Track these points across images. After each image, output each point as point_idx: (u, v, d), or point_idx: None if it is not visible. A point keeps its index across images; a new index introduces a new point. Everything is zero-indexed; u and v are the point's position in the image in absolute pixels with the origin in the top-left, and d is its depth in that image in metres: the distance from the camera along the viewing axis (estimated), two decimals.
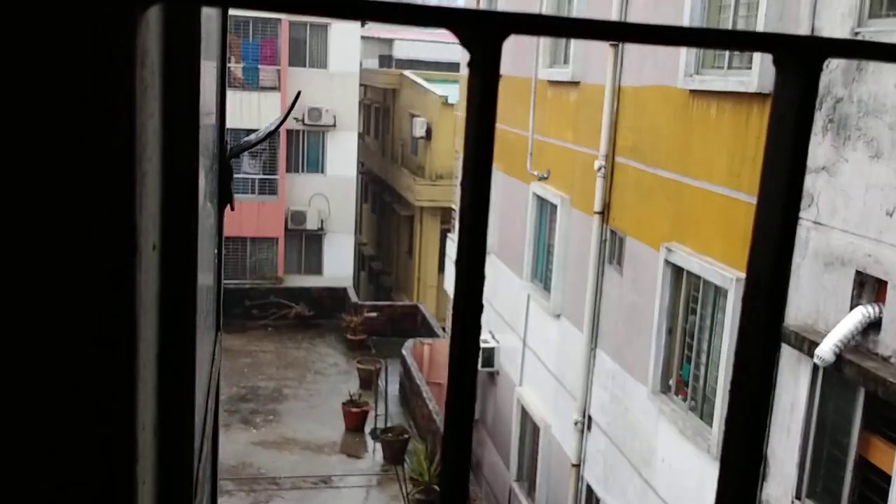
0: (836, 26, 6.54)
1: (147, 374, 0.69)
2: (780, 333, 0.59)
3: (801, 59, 0.62)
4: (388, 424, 17.46)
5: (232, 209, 1.70)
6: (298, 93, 3.09)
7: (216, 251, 1.64)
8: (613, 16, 10.20)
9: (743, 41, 0.63)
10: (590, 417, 10.98)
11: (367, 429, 17.98)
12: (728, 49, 0.61)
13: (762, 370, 0.64)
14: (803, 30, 6.85)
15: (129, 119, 0.50)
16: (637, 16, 9.89)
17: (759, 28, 7.39)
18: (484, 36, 0.57)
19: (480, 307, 0.58)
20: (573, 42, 11.61)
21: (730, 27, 8.13)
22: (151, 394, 0.75)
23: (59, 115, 0.48)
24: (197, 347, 1.08)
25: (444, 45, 33.14)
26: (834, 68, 6.57)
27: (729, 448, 0.62)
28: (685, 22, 8.58)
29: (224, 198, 1.60)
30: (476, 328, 0.57)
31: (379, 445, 17.14)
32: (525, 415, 13.30)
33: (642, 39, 0.59)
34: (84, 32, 0.48)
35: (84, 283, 0.50)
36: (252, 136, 2.41)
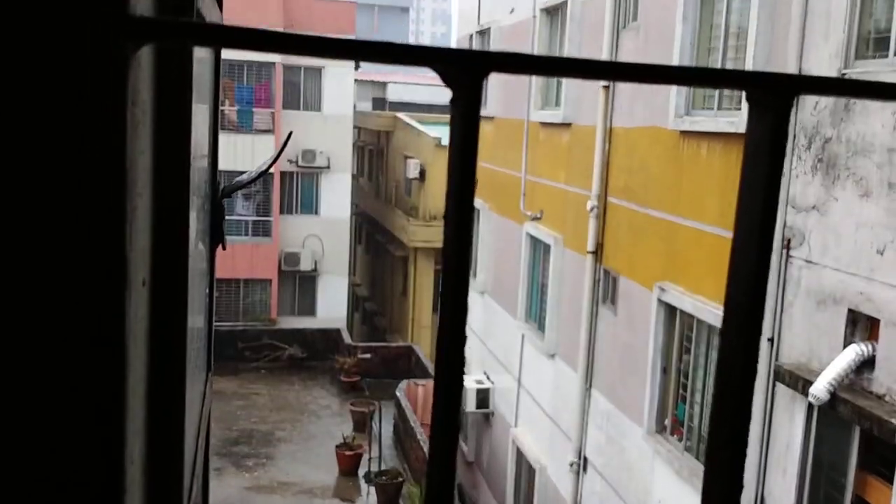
0: (822, 68, 6.65)
1: (136, 409, 0.69)
2: (757, 363, 0.60)
3: (771, 95, 0.63)
4: (383, 467, 17.27)
5: (223, 248, 1.70)
6: (290, 133, 3.11)
7: (207, 291, 1.65)
8: (604, 57, 10.34)
9: (716, 78, 0.65)
10: (585, 458, 10.89)
11: (361, 472, 17.78)
12: (702, 86, 0.63)
13: (741, 399, 0.65)
14: (791, 71, 6.96)
15: (119, 155, 0.52)
16: (627, 57, 10.03)
17: (752, 24, 7.46)
18: (464, 74, 0.58)
19: (464, 338, 0.59)
20: (565, 84, 11.75)
21: (722, 22, 8.24)
22: (140, 429, 0.75)
23: (52, 149, 0.49)
24: (187, 386, 1.09)
25: (437, 88, 33.47)
26: (822, 108, 6.66)
27: (710, 481, 0.63)
28: (679, 17, 8.67)
29: (216, 237, 1.61)
30: (460, 356, 0.58)
31: (373, 489, 16.93)
32: (520, 456, 13.19)
33: (619, 77, 0.61)
34: (76, 71, 0.49)
35: (74, 315, 0.51)
36: (244, 176, 2.43)
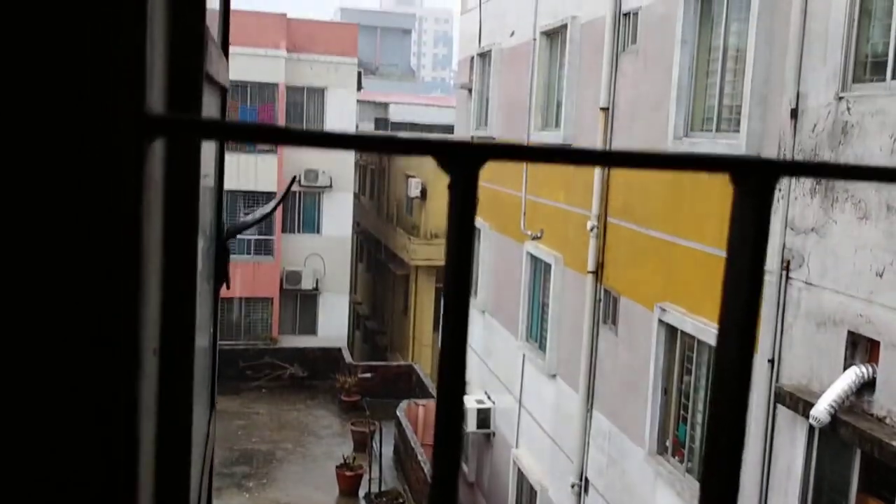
0: (820, 91, 6.70)
1: (144, 476, 0.72)
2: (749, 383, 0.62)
3: (755, 177, 0.66)
4: (383, 488, 17.21)
5: (228, 288, 1.73)
6: (294, 178, 3.15)
7: (211, 331, 1.68)
8: (603, 84, 10.42)
9: (700, 163, 0.68)
10: (587, 480, 10.86)
11: (362, 493, 17.71)
12: (686, 170, 0.66)
13: (735, 418, 0.67)
14: (789, 94, 7.01)
15: (135, 243, 0.55)
16: (627, 80, 10.11)
17: (746, 92, 7.55)
18: (462, 163, 0.62)
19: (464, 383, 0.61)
20: (565, 105, 11.82)
21: (717, 92, 8.31)
22: (149, 493, 0.78)
23: (69, 239, 0.52)
24: (192, 433, 1.11)
25: (438, 109, 33.65)
26: (820, 131, 6.70)
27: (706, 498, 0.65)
28: (674, 86, 8.77)
29: (220, 278, 1.64)
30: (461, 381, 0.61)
31: None
32: (521, 477, 13.15)
33: (611, 163, 0.64)
34: (94, 164, 0.52)
35: (86, 390, 0.54)
36: (248, 217, 2.46)
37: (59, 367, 0.52)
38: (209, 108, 1.40)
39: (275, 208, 2.59)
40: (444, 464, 0.58)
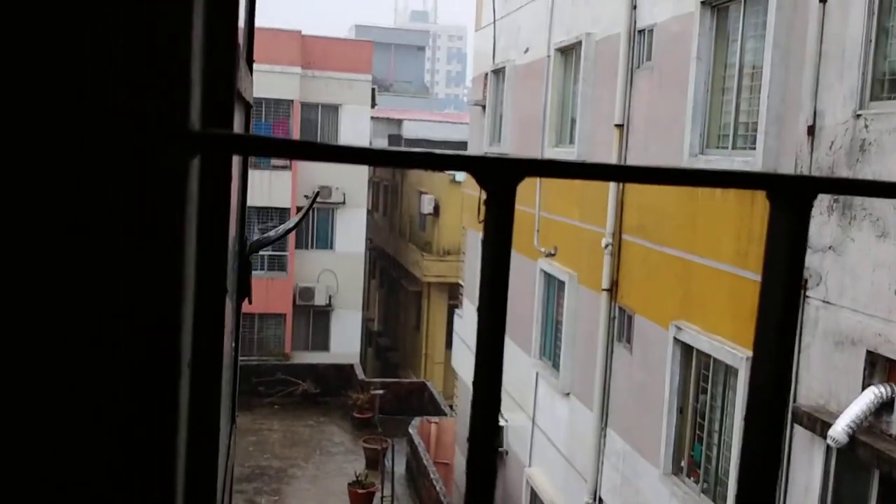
0: (837, 109, 6.68)
1: (179, 486, 0.72)
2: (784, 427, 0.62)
3: (792, 194, 0.66)
4: None
5: (250, 303, 1.74)
6: (317, 192, 3.17)
7: (234, 344, 1.68)
8: (618, 101, 10.43)
9: (737, 180, 0.68)
10: (601, 499, 10.77)
11: None
12: (722, 186, 0.66)
13: (769, 448, 0.67)
14: (805, 112, 6.99)
15: (178, 257, 0.55)
16: (641, 97, 10.11)
17: (763, 109, 7.54)
18: (500, 178, 0.62)
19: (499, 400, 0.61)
20: (579, 121, 11.83)
21: (732, 109, 8.30)
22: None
23: (118, 256, 0.53)
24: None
25: (451, 125, 33.76)
26: (838, 148, 6.68)
27: None
28: (689, 103, 8.76)
29: (242, 293, 1.64)
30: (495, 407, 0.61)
31: None
32: (534, 496, 13.06)
33: (642, 180, 0.64)
34: (139, 180, 0.53)
35: (129, 403, 0.54)
36: (272, 233, 2.48)
37: (107, 380, 0.52)
38: (239, 123, 1.41)
39: (298, 223, 2.61)
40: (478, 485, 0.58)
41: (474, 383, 0.62)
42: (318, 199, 26.66)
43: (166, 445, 0.53)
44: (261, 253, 26.49)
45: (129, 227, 0.51)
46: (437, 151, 0.60)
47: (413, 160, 0.61)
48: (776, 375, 0.69)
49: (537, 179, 13.20)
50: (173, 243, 0.51)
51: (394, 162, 0.60)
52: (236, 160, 1.43)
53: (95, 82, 0.49)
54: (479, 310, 0.64)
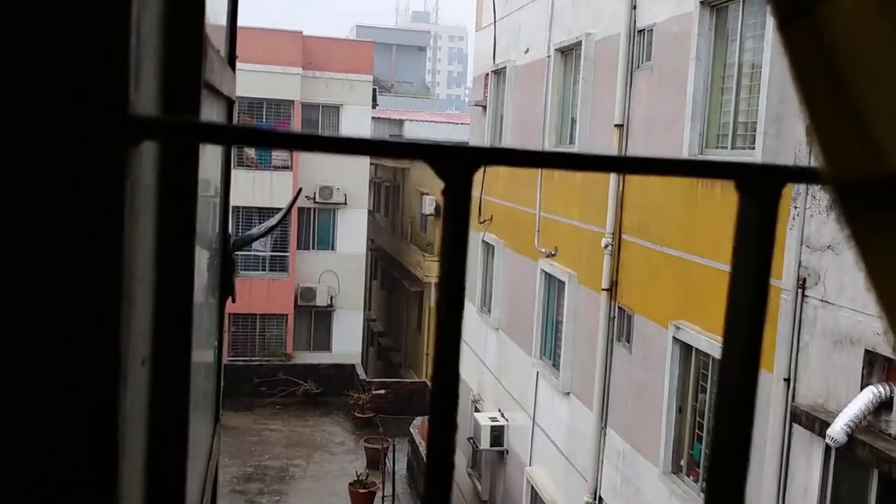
0: None
1: (132, 489, 0.70)
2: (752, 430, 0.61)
3: (760, 184, 0.64)
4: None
5: (233, 301, 1.73)
6: (300, 189, 3.16)
7: (216, 343, 1.67)
8: (617, 101, 10.41)
9: (705, 169, 0.66)
10: (601, 498, 10.75)
11: None
12: (690, 176, 0.64)
13: (739, 442, 0.65)
14: (810, 142, 6.95)
15: (116, 248, 0.53)
16: (641, 97, 10.09)
17: (762, 108, 7.52)
18: (456, 168, 0.60)
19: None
20: (579, 122, 11.82)
21: (732, 108, 8.28)
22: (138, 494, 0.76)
23: (49, 245, 0.51)
24: (191, 445, 1.09)
25: (452, 126, 33.77)
26: None
27: None
28: (688, 103, 8.75)
29: (226, 291, 1.63)
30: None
31: None
32: (535, 495, 13.04)
33: (610, 169, 0.62)
34: (75, 168, 0.51)
35: (67, 403, 0.53)
36: (254, 231, 2.46)
37: (37, 373, 0.51)
38: (214, 117, 1.39)
39: (280, 221, 2.59)
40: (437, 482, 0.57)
41: (433, 378, 0.60)
42: (320, 200, 26.66)
43: (107, 442, 0.52)
44: (262, 253, 26.50)
45: (58, 215, 0.49)
46: (389, 139, 0.58)
47: (365, 147, 0.59)
48: (746, 369, 0.68)
49: (538, 180, 13.19)
50: (110, 233, 0.50)
51: (343, 149, 0.58)
52: (212, 153, 1.41)
53: (18, 64, 0.48)
54: (438, 295, 0.62)
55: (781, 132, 7.35)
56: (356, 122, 27.03)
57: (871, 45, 0.50)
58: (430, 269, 25.84)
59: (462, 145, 0.60)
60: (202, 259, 1.38)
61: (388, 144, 0.59)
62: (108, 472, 0.52)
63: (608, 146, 10.63)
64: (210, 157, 1.41)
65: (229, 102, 1.61)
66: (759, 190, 0.64)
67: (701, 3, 8.57)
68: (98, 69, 0.48)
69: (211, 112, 1.27)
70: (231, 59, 1.69)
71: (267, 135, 0.58)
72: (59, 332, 0.52)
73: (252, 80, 24.59)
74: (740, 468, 0.67)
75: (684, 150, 8.82)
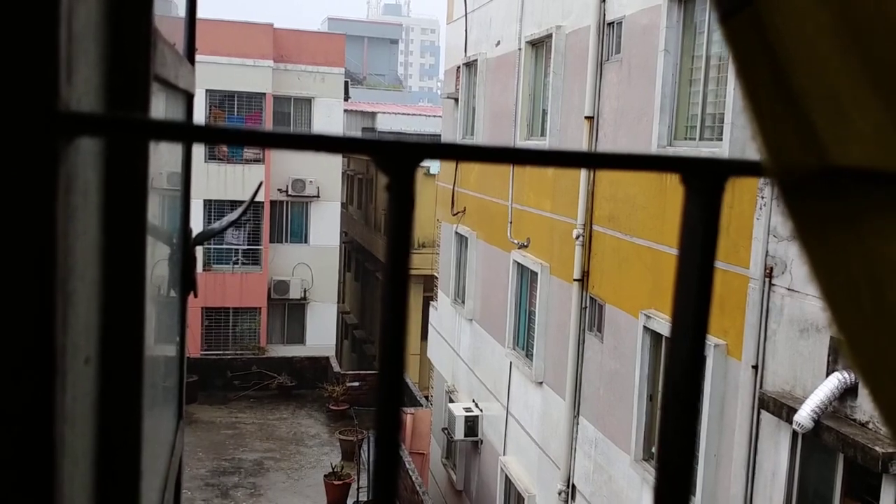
0: None
1: (76, 488, 0.70)
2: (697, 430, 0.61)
3: (705, 178, 0.65)
4: (371, 497, 17.14)
5: (195, 296, 1.71)
6: (260, 183, 3.14)
7: (179, 338, 1.65)
8: (588, 93, 10.45)
9: (651, 163, 0.67)
10: (573, 486, 10.84)
11: (350, 502, 17.63)
12: (636, 170, 0.64)
13: (685, 430, 0.66)
14: (754, 139, 7.03)
15: (47, 244, 0.52)
16: (611, 89, 10.14)
17: (730, 100, 7.58)
18: (398, 162, 0.60)
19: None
20: (550, 114, 11.85)
21: (700, 101, 8.34)
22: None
23: None
24: (150, 441, 1.09)
25: (424, 118, 33.71)
26: None
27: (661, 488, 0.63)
28: (657, 95, 8.80)
29: (187, 286, 1.61)
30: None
31: None
32: (509, 484, 13.11)
33: (553, 163, 0.62)
34: (2, 166, 0.50)
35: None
36: (216, 225, 2.44)
37: None
38: (171, 112, 1.38)
39: (241, 215, 2.57)
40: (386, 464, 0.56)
41: (378, 367, 0.60)
42: (292, 193, 26.52)
43: (42, 440, 0.51)
44: (235, 247, 26.32)
45: None
46: (332, 133, 0.58)
47: (309, 143, 0.59)
48: (691, 360, 0.68)
49: (510, 172, 13.21)
50: (40, 229, 0.49)
51: (288, 144, 0.58)
52: (171, 146, 1.40)
53: None
54: (382, 298, 0.62)
55: (749, 123, 7.42)
56: (328, 115, 26.89)
57: (813, 37, 0.50)
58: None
59: (402, 140, 0.60)
60: (161, 253, 1.37)
61: (329, 139, 0.59)
62: (44, 470, 0.52)
63: (579, 138, 10.67)
64: (169, 150, 1.40)
65: (188, 97, 1.60)
66: (704, 183, 0.65)
67: None
68: (23, 63, 0.48)
69: (166, 106, 1.26)
70: (190, 53, 1.67)
71: (206, 130, 0.58)
72: None
73: (223, 73, 24.38)
74: (686, 447, 0.68)
75: (653, 141, 8.88)
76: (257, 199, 25.35)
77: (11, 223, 0.48)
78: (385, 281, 0.62)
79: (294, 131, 0.59)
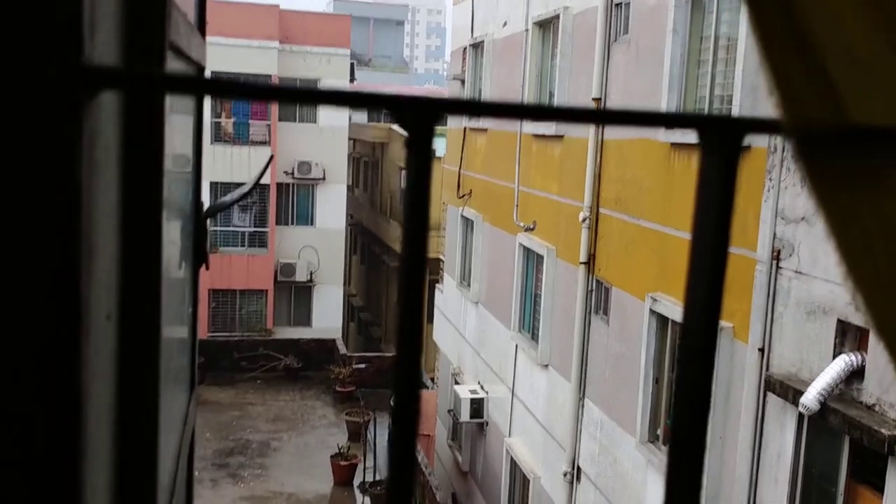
0: None
1: (99, 442, 0.71)
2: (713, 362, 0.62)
3: (722, 136, 0.65)
4: (377, 477, 17.25)
5: (206, 268, 1.72)
6: (271, 156, 3.15)
7: (191, 310, 1.66)
8: (595, 75, 10.40)
9: (668, 120, 0.67)
10: (579, 468, 10.89)
11: (356, 482, 17.74)
12: (654, 126, 0.64)
13: (701, 392, 0.66)
14: (771, 96, 6.99)
15: (73, 199, 0.53)
16: (618, 70, 10.09)
17: (738, 81, 7.54)
18: (419, 117, 0.61)
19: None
20: (557, 95, 11.81)
21: (707, 82, 8.30)
22: (105, 459, 0.76)
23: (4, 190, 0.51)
24: (165, 409, 1.10)
25: None
26: None
27: (673, 471, 0.64)
28: (665, 75, 8.76)
29: (199, 257, 1.62)
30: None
31: (368, 499, 16.90)
32: (514, 466, 13.18)
33: (566, 119, 0.63)
34: (26, 120, 0.50)
35: (25, 355, 0.53)
36: (227, 197, 2.45)
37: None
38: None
39: (253, 187, 2.58)
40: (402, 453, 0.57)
41: (396, 341, 0.60)
42: (298, 175, 26.51)
43: (68, 384, 0.52)
44: (241, 230, 26.36)
45: (12, 161, 0.49)
46: (349, 90, 0.59)
47: (326, 98, 0.59)
48: (706, 326, 0.69)
49: (516, 155, 13.18)
50: (67, 181, 0.49)
51: (305, 99, 0.58)
52: (183, 118, 1.40)
53: None
54: (400, 257, 0.63)
55: (757, 104, 7.38)
56: None
57: None
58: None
59: (422, 97, 0.61)
60: (174, 225, 1.38)
61: (347, 95, 0.60)
62: (70, 414, 0.53)
63: None
64: (181, 123, 1.40)
65: (199, 69, 1.60)
66: (721, 141, 0.65)
67: None
68: (51, 19, 0.48)
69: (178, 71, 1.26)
70: (201, 26, 1.67)
71: (228, 85, 0.58)
72: (18, 277, 0.51)
73: (228, 55, 24.32)
74: (701, 418, 0.68)
75: None
76: (263, 181, 25.35)
77: (41, 172, 0.48)
78: (404, 235, 0.62)
79: (311, 87, 0.60)
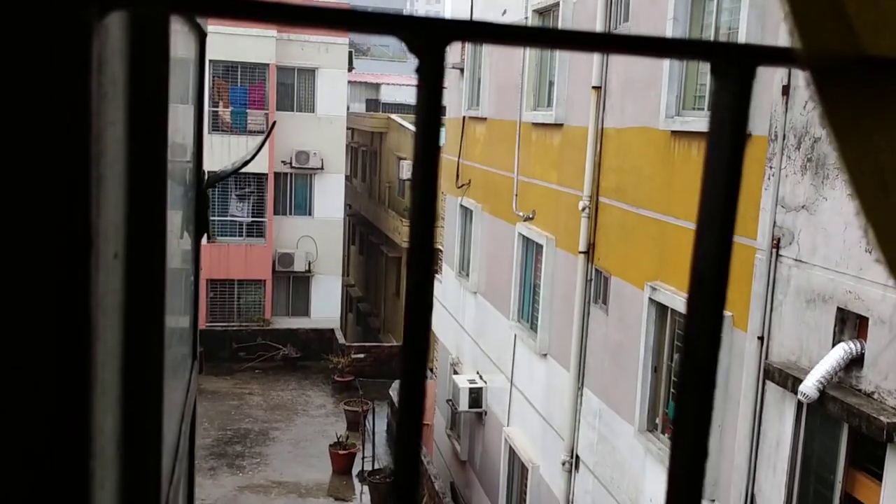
0: None
1: (108, 379, 0.70)
2: (721, 334, 0.61)
3: (734, 65, 0.64)
4: (376, 466, 17.29)
5: (209, 239, 1.71)
6: (273, 123, 3.14)
7: (193, 279, 1.66)
8: (595, 63, 10.37)
9: (678, 48, 0.66)
10: (577, 457, 10.91)
11: (355, 471, 17.78)
12: (662, 56, 0.63)
13: (707, 365, 0.65)
14: (780, 72, 6.98)
15: (83, 124, 0.52)
16: (618, 59, 10.06)
17: (742, 24, 7.47)
18: (428, 41, 0.59)
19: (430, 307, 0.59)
20: (557, 85, 11.78)
21: (713, 22, 8.24)
22: (113, 402, 0.76)
23: (10, 119, 0.50)
24: (168, 368, 1.09)
25: None
26: (811, 108, 6.69)
27: (676, 457, 0.63)
28: (669, 17, 8.68)
29: (201, 226, 1.62)
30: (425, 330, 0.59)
31: (367, 488, 16.93)
32: (513, 455, 13.20)
33: (576, 47, 0.61)
34: (35, 38, 0.50)
35: (35, 282, 0.52)
36: (228, 166, 2.44)
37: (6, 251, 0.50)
38: (186, 48, 1.37)
39: (254, 156, 2.57)
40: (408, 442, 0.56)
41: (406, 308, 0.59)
42: (296, 165, 26.47)
43: (78, 311, 0.51)
44: (239, 219, 26.32)
45: (23, 81, 0.48)
46: (357, 9, 0.58)
47: (334, 19, 0.58)
48: (716, 266, 0.68)
49: (516, 144, 13.15)
50: (76, 99, 0.49)
51: (310, 21, 0.57)
52: (183, 99, 1.39)
53: None
54: (412, 187, 0.62)
55: (758, 93, 7.35)
56: (332, 86, 26.77)
57: None
58: (408, 235, 25.81)
59: (433, 17, 0.60)
60: (177, 190, 1.37)
61: (355, 15, 0.58)
62: (80, 342, 0.52)
63: (586, 108, 10.61)
64: (181, 106, 1.39)
65: (202, 36, 1.59)
66: (734, 69, 0.64)
67: None
68: None
69: (185, 42, 1.25)
70: None
71: (226, 2, 0.57)
72: (29, 199, 0.51)
73: (226, 44, 24.23)
74: (706, 404, 0.67)
75: (661, 111, 8.82)
76: (261, 170, 25.30)
77: (50, 91, 0.47)
78: (414, 164, 0.61)
79: (312, 4, 0.59)
